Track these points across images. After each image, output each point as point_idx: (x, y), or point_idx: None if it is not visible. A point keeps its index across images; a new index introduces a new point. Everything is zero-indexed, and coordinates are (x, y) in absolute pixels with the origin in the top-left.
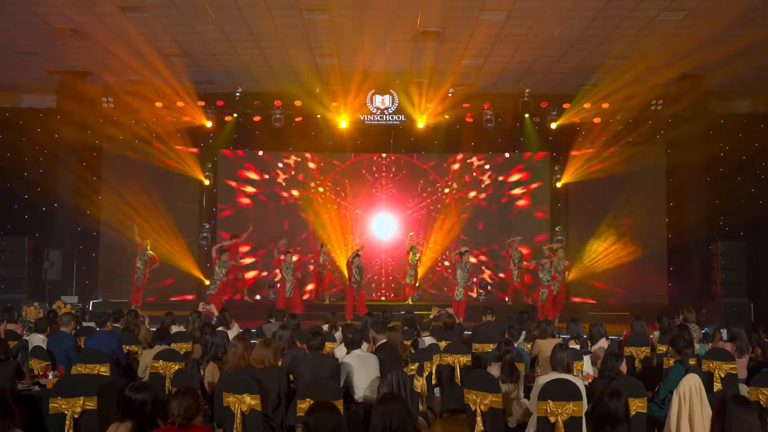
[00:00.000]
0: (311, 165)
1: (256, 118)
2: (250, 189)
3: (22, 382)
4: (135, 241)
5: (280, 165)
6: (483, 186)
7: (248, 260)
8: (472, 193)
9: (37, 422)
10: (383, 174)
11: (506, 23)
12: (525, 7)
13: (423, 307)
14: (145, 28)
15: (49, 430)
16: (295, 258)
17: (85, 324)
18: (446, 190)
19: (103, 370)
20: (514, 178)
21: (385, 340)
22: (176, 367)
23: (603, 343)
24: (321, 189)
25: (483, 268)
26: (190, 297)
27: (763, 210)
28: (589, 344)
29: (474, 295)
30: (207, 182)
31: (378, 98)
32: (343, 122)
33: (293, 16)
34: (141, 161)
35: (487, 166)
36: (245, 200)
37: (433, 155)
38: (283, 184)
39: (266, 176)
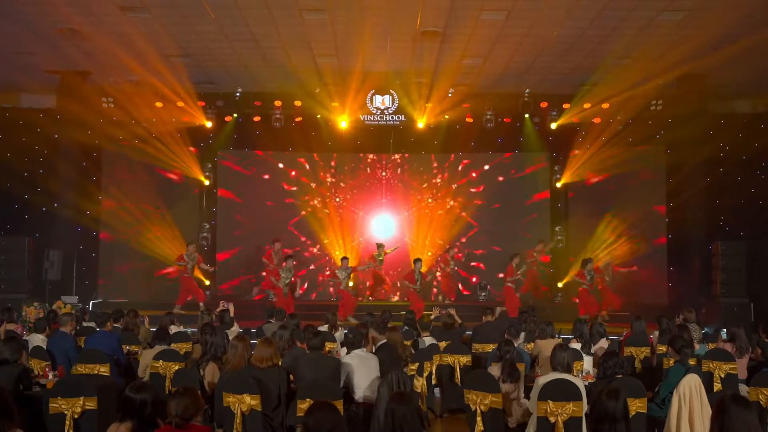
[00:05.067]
0: (310, 165)
1: (256, 118)
2: (248, 189)
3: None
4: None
5: (280, 165)
6: (482, 187)
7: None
8: (473, 193)
9: (37, 422)
10: (383, 174)
11: (506, 23)
12: (525, 7)
13: (423, 308)
14: (145, 28)
15: (49, 430)
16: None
17: (85, 324)
18: (446, 191)
19: (103, 370)
20: (514, 178)
21: (385, 340)
22: (176, 367)
23: (603, 343)
24: (320, 189)
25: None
26: (189, 296)
27: (763, 210)
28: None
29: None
30: (207, 182)
31: (378, 98)
32: (343, 122)
33: (293, 16)
34: (141, 161)
35: (486, 167)
36: (244, 200)
37: (433, 155)
38: (282, 184)
39: (266, 176)
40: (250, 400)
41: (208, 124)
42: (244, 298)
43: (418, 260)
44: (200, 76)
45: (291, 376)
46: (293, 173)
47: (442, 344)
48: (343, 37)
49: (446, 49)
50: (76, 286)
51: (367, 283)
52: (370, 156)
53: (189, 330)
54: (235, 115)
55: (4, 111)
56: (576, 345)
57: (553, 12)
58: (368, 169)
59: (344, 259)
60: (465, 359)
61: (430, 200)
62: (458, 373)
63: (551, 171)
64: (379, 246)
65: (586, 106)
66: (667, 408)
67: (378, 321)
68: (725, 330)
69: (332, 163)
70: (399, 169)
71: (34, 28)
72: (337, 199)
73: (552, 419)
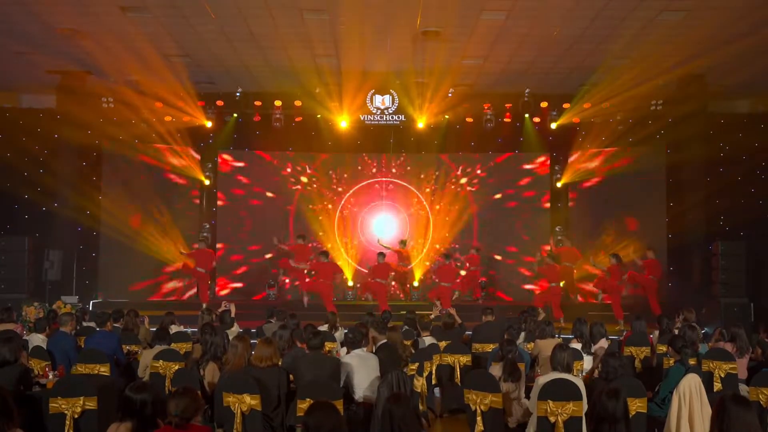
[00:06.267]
0: (311, 165)
1: (256, 118)
2: (249, 189)
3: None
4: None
5: (280, 165)
6: (482, 187)
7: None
8: (472, 193)
9: (37, 422)
10: (383, 174)
11: (506, 23)
12: (525, 7)
13: (423, 307)
14: (145, 28)
15: (49, 430)
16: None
17: (85, 324)
18: (446, 191)
19: (103, 370)
20: (514, 178)
21: (385, 340)
22: (176, 367)
23: (603, 343)
24: (320, 189)
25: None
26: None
27: (763, 210)
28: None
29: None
30: (207, 182)
31: (378, 98)
32: (343, 122)
33: (293, 16)
34: (141, 161)
35: (486, 167)
36: (245, 200)
37: (433, 155)
38: (282, 184)
39: (266, 176)
40: (250, 400)
41: (208, 124)
42: (245, 298)
43: (447, 255)
44: (200, 76)
45: (291, 376)
46: (293, 173)
47: (442, 344)
48: (343, 37)
49: (446, 49)
50: (76, 286)
51: (392, 283)
52: (370, 156)
53: (189, 330)
54: (235, 115)
55: (4, 111)
56: (576, 345)
57: (553, 12)
58: (368, 169)
59: (382, 254)
60: (465, 359)
61: (429, 201)
62: (458, 373)
63: (551, 171)
64: (402, 242)
65: (586, 106)
66: (667, 408)
67: (378, 321)
68: (722, 331)
69: (332, 163)
70: (399, 169)
71: (34, 28)
72: (336, 199)
73: (552, 419)
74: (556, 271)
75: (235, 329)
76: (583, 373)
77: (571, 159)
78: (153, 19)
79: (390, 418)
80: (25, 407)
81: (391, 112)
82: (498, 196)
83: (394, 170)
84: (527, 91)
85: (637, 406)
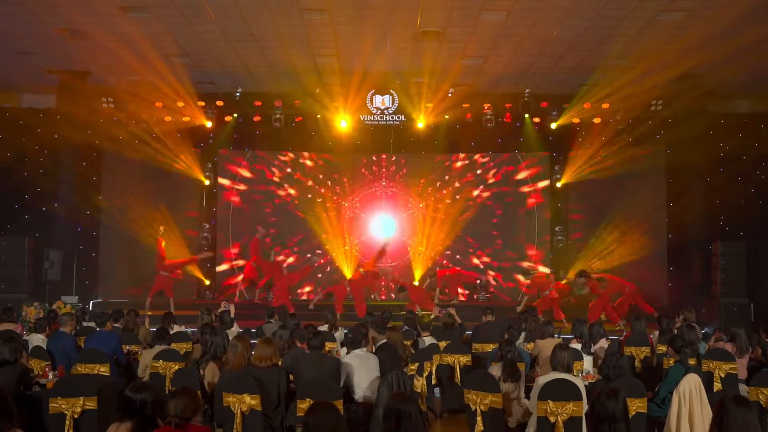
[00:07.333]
0: (311, 165)
1: (256, 118)
2: (249, 189)
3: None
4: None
5: (280, 165)
6: (483, 187)
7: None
8: (473, 193)
9: (37, 422)
10: (383, 174)
11: (506, 23)
12: (525, 7)
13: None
14: (145, 28)
15: (49, 430)
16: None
17: (85, 324)
18: (446, 191)
19: (103, 370)
20: (514, 178)
21: (385, 340)
22: (176, 367)
23: (603, 343)
24: (320, 189)
25: (487, 270)
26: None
27: (763, 210)
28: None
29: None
30: (207, 182)
31: (378, 98)
32: (342, 122)
33: (293, 16)
34: (141, 161)
35: (486, 167)
36: (244, 200)
37: (433, 155)
38: (283, 184)
39: (265, 176)
40: (250, 400)
41: (208, 124)
42: (245, 299)
43: (402, 288)
44: (200, 76)
45: (291, 376)
46: (293, 173)
47: (442, 344)
48: (343, 37)
49: (446, 49)
50: (76, 286)
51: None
52: (370, 156)
53: (189, 330)
54: (235, 115)
55: (4, 111)
56: (576, 345)
57: (553, 12)
58: (368, 169)
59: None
60: (465, 359)
61: (429, 201)
62: (458, 373)
63: (551, 171)
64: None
65: (586, 106)
66: (667, 408)
67: (378, 321)
68: (718, 330)
69: (332, 163)
70: (399, 169)
71: (34, 28)
72: (336, 199)
73: (552, 419)
74: (544, 280)
75: (234, 329)
76: (584, 374)
77: (571, 159)
78: (153, 19)
79: (392, 417)
80: (25, 407)
81: (391, 112)
82: (497, 196)
83: (393, 170)
84: (527, 91)
85: (637, 406)
